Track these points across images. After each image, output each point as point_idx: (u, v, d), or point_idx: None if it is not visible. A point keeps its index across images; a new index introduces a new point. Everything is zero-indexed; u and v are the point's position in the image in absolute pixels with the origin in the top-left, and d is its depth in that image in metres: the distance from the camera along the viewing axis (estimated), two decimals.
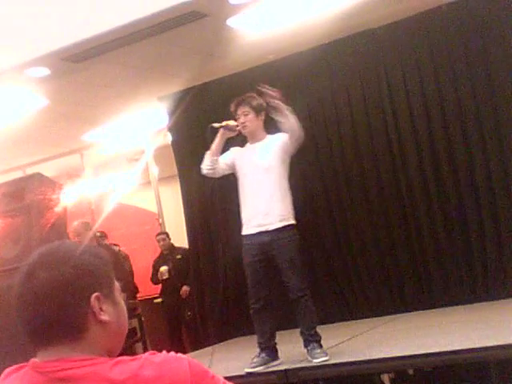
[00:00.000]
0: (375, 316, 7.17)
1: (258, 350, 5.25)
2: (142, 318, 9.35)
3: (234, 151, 5.49)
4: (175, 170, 8.75)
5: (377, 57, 7.45)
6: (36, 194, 5.29)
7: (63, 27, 6.41)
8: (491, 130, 6.94)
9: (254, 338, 5.38)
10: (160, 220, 9.84)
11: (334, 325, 7.16)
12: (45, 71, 7.02)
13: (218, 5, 6.31)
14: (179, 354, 1.43)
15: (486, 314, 6.12)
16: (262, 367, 5.13)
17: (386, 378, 5.04)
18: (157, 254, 9.27)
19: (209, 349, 7.39)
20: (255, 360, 5.18)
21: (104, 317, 1.43)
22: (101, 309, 1.42)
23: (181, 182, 8.57)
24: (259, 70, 7.55)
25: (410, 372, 5.08)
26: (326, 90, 7.72)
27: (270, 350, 5.23)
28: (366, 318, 7.24)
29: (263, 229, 5.15)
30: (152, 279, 9.17)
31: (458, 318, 6.20)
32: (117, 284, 1.50)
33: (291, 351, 5.47)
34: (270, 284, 5.31)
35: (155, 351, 1.43)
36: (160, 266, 8.99)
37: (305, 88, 7.76)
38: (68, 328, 1.40)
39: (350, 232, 7.60)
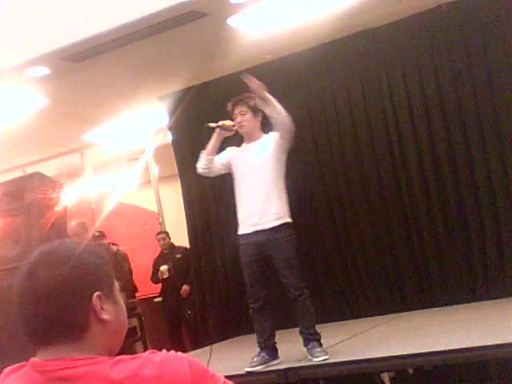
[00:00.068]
0: (375, 315, 7.17)
1: (257, 349, 5.26)
2: (142, 318, 9.35)
3: (231, 151, 5.49)
4: (175, 170, 8.76)
5: (377, 56, 7.45)
6: (36, 194, 5.28)
7: (63, 27, 6.41)
8: (491, 130, 6.94)
9: (254, 337, 5.38)
10: (160, 219, 9.84)
11: (335, 324, 7.16)
12: (45, 71, 7.02)
13: (218, 4, 6.31)
14: (179, 353, 1.43)
15: (486, 313, 6.12)
16: (261, 366, 5.13)
17: (386, 377, 5.04)
18: (157, 254, 9.27)
19: (210, 347, 7.41)
20: (255, 359, 5.18)
21: (105, 316, 1.43)
22: (102, 308, 1.43)
23: (181, 181, 8.57)
24: (259, 70, 7.51)
25: (410, 371, 5.09)
26: (325, 89, 7.72)
27: (269, 350, 5.23)
28: (366, 317, 7.24)
29: (259, 228, 5.15)
30: (152, 278, 9.18)
31: (457, 317, 6.20)
32: (116, 283, 1.51)
33: (291, 350, 5.47)
34: (268, 283, 5.31)
35: (155, 350, 1.43)
36: (160, 266, 8.99)
37: (305, 87, 7.77)
38: (69, 327, 1.40)
39: (350, 231, 7.61)
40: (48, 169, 7.92)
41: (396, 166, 7.37)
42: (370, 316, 7.21)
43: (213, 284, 8.30)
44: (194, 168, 5.63)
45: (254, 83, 5.08)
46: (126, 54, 6.97)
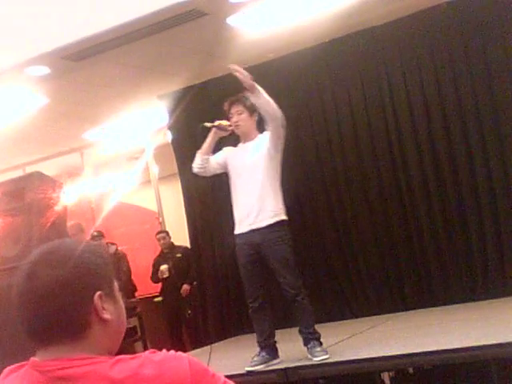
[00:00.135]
0: (375, 314, 7.17)
1: (258, 348, 5.26)
2: (142, 317, 9.35)
3: (227, 151, 5.50)
4: (175, 169, 8.76)
5: (377, 55, 7.45)
6: (36, 193, 5.28)
7: (63, 26, 6.41)
8: (491, 129, 6.94)
9: (255, 337, 5.38)
10: (160, 219, 9.84)
11: (335, 323, 7.17)
12: (45, 70, 7.02)
13: (218, 3, 6.31)
14: (179, 353, 1.42)
15: (486, 312, 6.12)
16: (262, 366, 5.14)
17: (386, 376, 5.04)
18: (157, 253, 9.27)
19: (210, 346, 7.41)
20: (255, 359, 5.18)
21: (106, 315, 1.43)
22: (103, 307, 1.42)
23: (181, 180, 8.57)
24: (259, 69, 7.51)
25: (410, 370, 5.08)
26: (326, 88, 7.72)
27: (270, 349, 5.23)
28: (366, 316, 7.24)
29: (255, 227, 5.16)
30: (152, 278, 9.17)
31: (457, 316, 6.20)
32: (116, 283, 1.51)
33: (291, 350, 5.48)
34: (265, 283, 5.32)
35: (155, 350, 1.42)
36: (160, 265, 8.99)
37: (305, 87, 7.77)
38: (70, 327, 1.40)
39: (351, 231, 7.61)
40: (48, 168, 7.92)
41: (396, 166, 7.37)
42: (370, 315, 7.21)
43: (213, 283, 8.30)
44: None
45: (241, 73, 5.07)
46: (125, 53, 6.98)
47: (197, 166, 5.47)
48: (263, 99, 5.06)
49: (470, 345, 4.52)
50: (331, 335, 5.89)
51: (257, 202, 5.16)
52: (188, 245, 8.88)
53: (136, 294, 9.53)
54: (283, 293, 5.19)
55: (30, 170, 8.66)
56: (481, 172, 6.97)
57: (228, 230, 5.52)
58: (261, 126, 5.36)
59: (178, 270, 8.91)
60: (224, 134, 5.41)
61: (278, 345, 5.31)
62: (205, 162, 5.41)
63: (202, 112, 7.77)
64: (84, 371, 1.35)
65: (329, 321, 7.12)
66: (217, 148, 5.53)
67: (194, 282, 8.82)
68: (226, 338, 7.82)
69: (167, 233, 9.25)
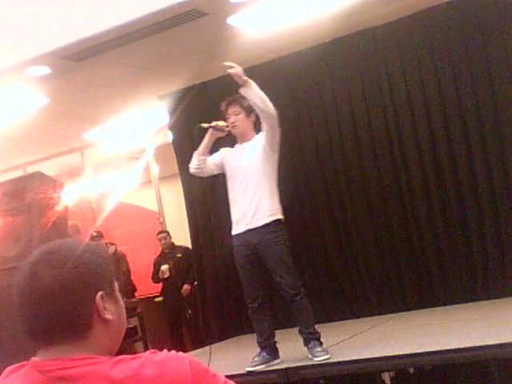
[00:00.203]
0: (376, 315, 7.17)
1: (258, 348, 5.26)
2: (143, 317, 9.35)
3: (224, 151, 5.50)
4: (176, 169, 8.76)
5: (377, 55, 7.45)
6: (37, 193, 5.28)
7: (63, 26, 6.41)
8: (492, 129, 6.94)
9: (255, 337, 5.38)
10: (161, 219, 9.85)
11: (335, 323, 7.17)
12: (45, 70, 7.02)
13: (218, 3, 6.31)
14: (180, 353, 1.42)
15: (487, 312, 6.12)
16: (262, 366, 5.14)
17: (386, 376, 5.04)
18: (157, 253, 9.27)
19: (211, 346, 7.41)
20: (256, 359, 5.18)
21: (108, 315, 1.43)
22: (104, 307, 1.42)
23: (182, 180, 8.56)
24: (259, 69, 7.53)
25: (411, 370, 5.08)
26: (326, 88, 7.72)
27: (270, 349, 5.23)
28: (366, 316, 7.25)
29: (251, 226, 5.16)
30: (153, 278, 9.17)
31: (458, 316, 6.20)
32: (116, 283, 1.51)
33: (292, 350, 5.48)
34: (264, 283, 5.31)
35: (156, 350, 1.42)
36: (161, 265, 8.99)
37: (305, 87, 7.77)
38: (72, 327, 1.39)
39: (351, 231, 7.61)
40: (48, 168, 7.93)
41: (396, 166, 7.36)
42: (370, 316, 7.21)
43: (214, 283, 8.30)
44: None
45: (234, 68, 5.08)
46: (126, 53, 6.98)
47: (194, 166, 5.48)
48: (254, 94, 5.06)
49: (471, 345, 4.52)
50: (332, 335, 5.90)
51: (253, 202, 5.16)
52: (189, 245, 8.88)
53: (136, 294, 9.54)
54: (281, 293, 5.19)
55: (30, 170, 8.67)
56: (481, 172, 6.97)
57: (228, 230, 5.52)
58: (258, 127, 5.37)
59: (178, 270, 8.91)
60: (221, 134, 5.42)
61: (278, 345, 5.31)
62: (202, 162, 5.42)
63: (202, 112, 7.77)
64: (84, 371, 1.35)
65: (329, 321, 7.12)
66: (214, 148, 5.53)
67: (195, 282, 8.82)
68: (226, 338, 7.82)
69: (168, 233, 9.26)
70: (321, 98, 7.76)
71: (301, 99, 7.82)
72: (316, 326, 5.20)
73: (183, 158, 8.41)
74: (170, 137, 8.78)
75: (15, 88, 7.35)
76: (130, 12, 6.11)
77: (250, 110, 5.26)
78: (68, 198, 6.34)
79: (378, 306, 7.34)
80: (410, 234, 7.30)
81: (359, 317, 7.31)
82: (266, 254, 5.13)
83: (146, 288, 9.72)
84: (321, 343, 5.10)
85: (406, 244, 7.32)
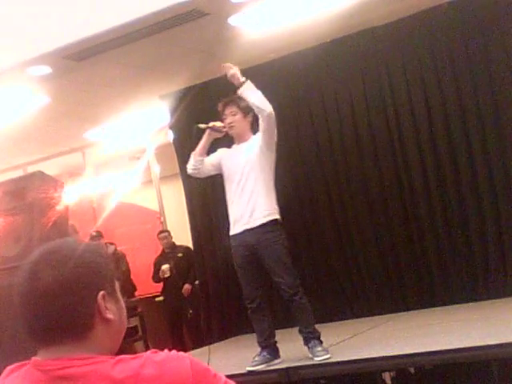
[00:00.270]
0: (376, 315, 7.17)
1: (259, 348, 5.26)
2: (143, 317, 9.35)
3: (221, 152, 5.50)
4: (177, 169, 8.76)
5: (378, 55, 7.45)
6: (37, 193, 5.28)
7: (64, 26, 6.41)
8: (492, 129, 6.94)
9: (256, 337, 5.38)
10: (161, 218, 9.85)
11: (336, 323, 7.17)
12: (46, 70, 7.02)
13: (219, 3, 6.31)
14: (181, 353, 1.42)
15: (487, 312, 6.12)
16: (263, 365, 5.14)
17: (387, 376, 5.04)
18: (158, 253, 9.27)
19: (211, 346, 7.41)
20: (256, 358, 5.19)
21: (109, 315, 1.43)
22: (105, 307, 1.42)
23: (183, 180, 8.57)
24: (260, 69, 7.54)
25: (411, 370, 5.09)
26: (327, 88, 7.72)
27: (271, 349, 5.23)
28: (367, 316, 7.24)
29: (248, 226, 5.16)
30: (153, 278, 9.17)
31: (458, 316, 6.20)
32: (117, 282, 1.51)
33: (292, 349, 5.48)
34: (263, 283, 5.31)
35: (156, 350, 1.42)
36: (161, 265, 8.98)
37: (306, 87, 7.77)
38: (73, 327, 1.39)
39: (352, 231, 7.61)
40: (49, 168, 7.92)
41: (397, 165, 7.36)
42: (370, 315, 7.21)
43: (215, 283, 8.30)
44: None
45: (229, 69, 5.10)
46: (127, 53, 6.97)
47: (191, 167, 5.49)
48: (252, 95, 5.08)
49: (471, 345, 4.52)
50: (332, 335, 5.90)
51: (250, 202, 5.17)
52: (189, 244, 8.88)
53: (136, 293, 9.54)
54: (280, 293, 5.19)
55: (31, 169, 8.67)
56: (482, 172, 6.96)
57: (229, 230, 5.52)
58: (255, 128, 5.37)
59: (179, 269, 8.91)
60: (218, 135, 5.42)
61: (278, 345, 5.31)
62: (199, 163, 5.42)
63: (203, 112, 7.77)
64: (85, 371, 1.35)
65: (330, 321, 7.12)
66: (211, 149, 5.53)
67: (196, 282, 8.82)
68: (227, 338, 7.82)
69: (169, 232, 9.26)
70: (321, 98, 7.76)
71: (301, 99, 7.82)
72: (316, 326, 5.20)
73: (184, 157, 8.39)
74: (170, 136, 8.79)
75: (16, 88, 7.35)
76: (131, 12, 6.11)
77: (247, 111, 5.27)
78: (69, 197, 6.34)
79: (379, 305, 7.34)
80: (411, 233, 7.30)
81: (360, 317, 7.31)
82: (265, 254, 5.13)
83: (147, 287, 9.71)
84: (321, 342, 5.10)
85: (407, 244, 7.32)
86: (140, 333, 9.18)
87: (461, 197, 7.07)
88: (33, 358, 1.42)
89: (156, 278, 9.12)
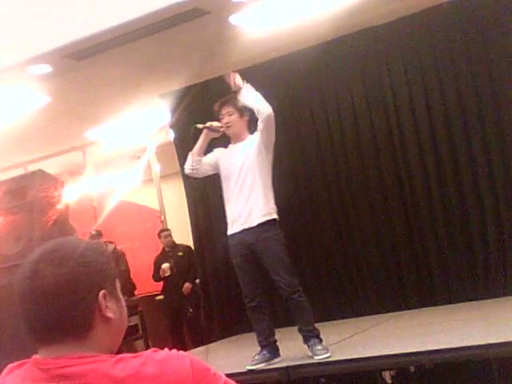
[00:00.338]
0: (377, 313, 7.17)
1: (259, 347, 5.26)
2: (144, 316, 9.35)
3: (218, 152, 5.51)
4: (177, 168, 8.75)
5: (378, 55, 7.45)
6: (38, 191, 5.28)
7: (65, 25, 6.41)
8: (493, 129, 6.94)
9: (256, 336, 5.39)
10: (162, 217, 9.85)
11: (336, 322, 7.17)
12: (47, 68, 7.01)
13: (220, 2, 6.30)
14: (181, 352, 1.42)
15: (487, 311, 6.12)
16: (263, 364, 5.14)
17: (387, 375, 5.04)
18: (158, 251, 9.27)
19: (212, 345, 7.42)
20: (256, 357, 5.19)
21: (110, 314, 1.43)
22: (106, 306, 1.42)
23: (183, 178, 8.56)
24: (261, 68, 7.54)
25: (412, 369, 5.09)
26: (327, 87, 7.72)
27: (271, 348, 5.24)
28: (367, 315, 7.24)
29: (246, 226, 5.17)
30: (154, 276, 9.17)
31: (459, 315, 6.21)
32: (118, 281, 1.51)
33: (292, 348, 5.48)
34: (262, 282, 5.32)
35: (157, 349, 1.42)
36: (161, 264, 8.98)
37: (307, 86, 7.77)
38: (74, 326, 1.39)
39: (352, 230, 7.61)
40: (50, 167, 7.90)
41: (398, 165, 7.37)
42: (371, 314, 7.22)
43: (216, 281, 8.30)
44: None
45: (230, 78, 5.13)
46: (127, 52, 6.97)
47: (189, 167, 5.49)
48: (253, 99, 5.12)
49: (472, 344, 4.52)
50: (333, 334, 5.90)
51: (248, 202, 5.17)
52: (190, 243, 8.88)
53: (135, 292, 9.54)
54: (279, 291, 5.20)
55: (31, 168, 8.66)
56: (483, 171, 6.96)
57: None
58: (251, 127, 5.37)
59: (179, 268, 8.91)
60: (215, 135, 5.43)
61: (278, 343, 5.31)
62: (197, 163, 5.43)
63: (203, 111, 7.76)
64: (86, 369, 1.35)
65: (330, 319, 7.12)
66: (208, 149, 5.53)
67: (196, 281, 8.82)
68: (227, 337, 7.82)
69: (170, 231, 9.26)
70: (322, 97, 7.76)
71: (302, 98, 7.82)
72: (317, 325, 5.20)
73: (184, 156, 8.34)
74: (171, 135, 8.79)
75: (17, 87, 7.35)
76: (132, 11, 6.11)
77: (243, 110, 5.28)
78: (69, 196, 6.35)
79: (379, 304, 7.34)
80: (411, 232, 7.31)
81: (360, 315, 7.31)
82: (263, 253, 5.13)
83: (147, 286, 9.71)
84: (320, 340, 5.10)
85: (407, 243, 7.32)
86: (140, 331, 9.18)
87: (461, 196, 7.07)
88: (33, 357, 1.42)
89: (156, 276, 9.12)
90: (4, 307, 4.72)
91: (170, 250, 9.07)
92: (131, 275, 9.40)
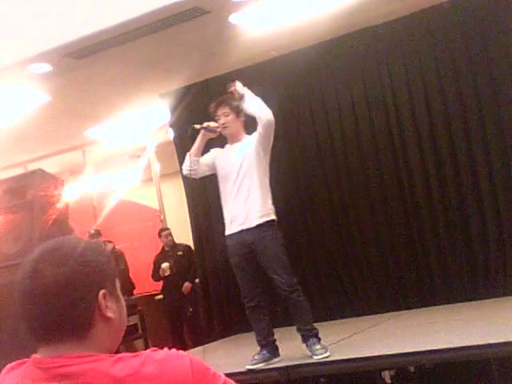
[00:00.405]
0: (377, 313, 7.17)
1: (258, 347, 5.26)
2: (143, 315, 9.35)
3: (215, 152, 5.51)
4: (177, 167, 8.72)
5: (379, 54, 7.44)
6: (38, 191, 5.28)
7: (65, 24, 6.41)
8: (493, 129, 6.93)
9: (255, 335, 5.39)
10: (162, 217, 9.85)
11: (336, 322, 7.17)
12: (47, 67, 7.02)
13: (220, 1, 6.31)
14: (181, 352, 1.42)
15: (487, 311, 6.12)
16: (262, 364, 5.14)
17: (387, 375, 5.04)
18: (158, 251, 9.26)
19: (211, 345, 7.41)
20: (256, 357, 5.18)
21: (109, 314, 1.43)
22: (106, 306, 1.42)
23: (183, 178, 8.55)
24: (261, 67, 7.54)
25: (411, 369, 5.09)
26: (327, 86, 7.72)
27: (270, 347, 5.24)
28: (367, 315, 7.24)
29: (245, 227, 5.17)
30: (153, 276, 9.16)
31: (459, 315, 6.20)
32: (117, 281, 1.50)
33: (292, 348, 5.47)
34: (261, 282, 5.31)
35: (157, 348, 1.42)
36: (161, 263, 8.98)
37: (307, 85, 7.77)
38: (75, 325, 1.39)
39: (352, 230, 7.61)
40: (50, 166, 7.92)
41: (398, 164, 7.36)
42: (371, 314, 7.21)
43: (216, 281, 8.30)
44: None
45: (233, 86, 5.17)
46: (127, 51, 6.97)
47: (186, 168, 5.49)
48: (254, 105, 5.15)
49: (472, 344, 4.52)
50: (332, 333, 5.90)
51: (246, 203, 5.17)
52: (190, 242, 8.88)
53: (134, 291, 9.54)
54: (278, 291, 5.19)
55: (31, 167, 8.68)
56: (483, 171, 6.96)
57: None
58: (248, 127, 5.37)
59: (179, 267, 8.91)
60: (213, 135, 5.43)
61: (278, 343, 5.31)
62: (194, 163, 5.42)
63: (203, 110, 7.74)
64: (85, 368, 1.35)
65: (330, 319, 7.12)
66: (205, 150, 5.54)
67: (196, 280, 8.82)
68: (227, 336, 7.82)
69: (170, 231, 9.25)
70: (322, 97, 7.75)
71: (302, 97, 7.82)
72: (317, 325, 5.20)
73: (184, 155, 8.39)
74: (171, 134, 8.78)
75: (17, 85, 7.35)
76: (132, 10, 6.11)
77: (239, 111, 5.28)
78: (69, 195, 6.34)
79: (379, 304, 7.34)
80: (411, 232, 7.30)
81: (360, 315, 7.31)
82: (262, 252, 5.13)
83: (147, 286, 9.71)
84: (319, 340, 5.10)
85: (407, 242, 7.32)
86: (140, 331, 9.18)
87: (461, 196, 7.07)
88: (33, 356, 1.42)
89: (156, 276, 9.12)
90: (4, 306, 4.72)
91: (170, 250, 9.07)
92: (130, 274, 9.40)
